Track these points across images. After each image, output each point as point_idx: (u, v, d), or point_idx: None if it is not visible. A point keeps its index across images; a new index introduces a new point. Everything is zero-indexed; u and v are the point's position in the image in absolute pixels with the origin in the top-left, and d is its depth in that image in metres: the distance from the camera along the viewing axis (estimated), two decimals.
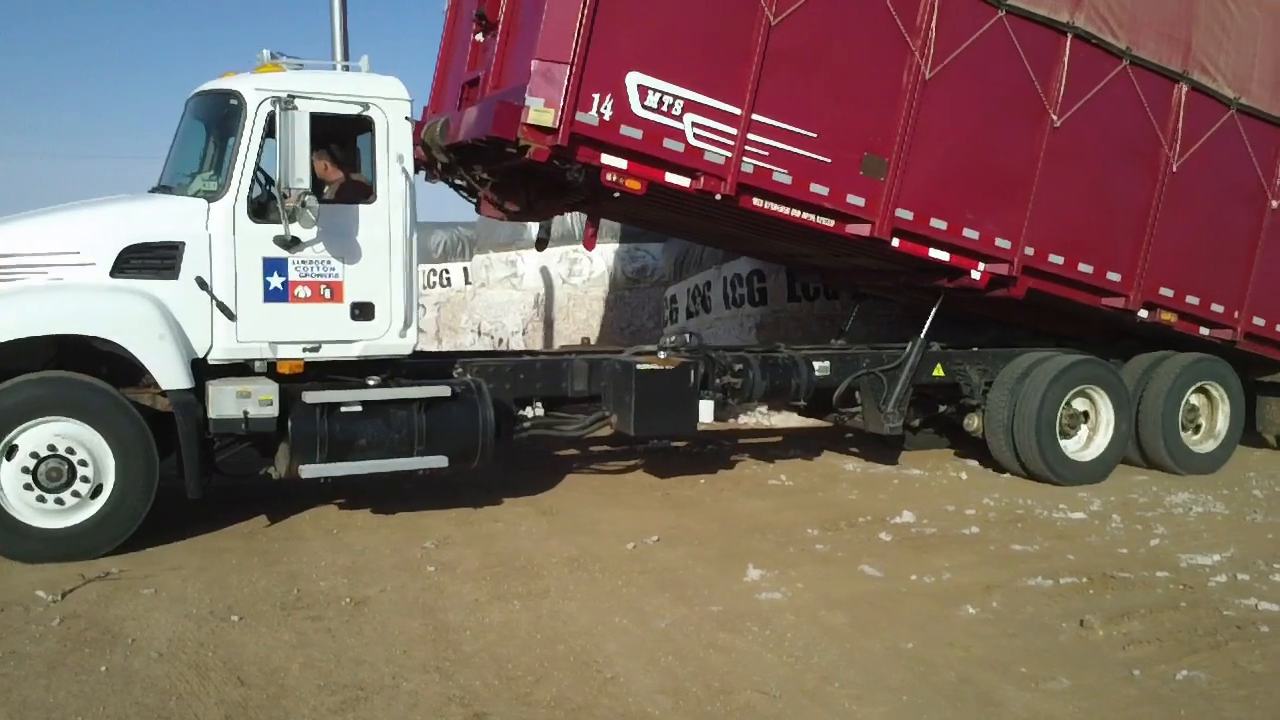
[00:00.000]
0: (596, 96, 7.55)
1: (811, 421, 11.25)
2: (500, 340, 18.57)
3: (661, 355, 8.67)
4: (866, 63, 8.40)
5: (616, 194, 8.00)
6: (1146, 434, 10.14)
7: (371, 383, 7.37)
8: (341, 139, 7.59)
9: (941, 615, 5.96)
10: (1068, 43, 8.91)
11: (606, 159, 7.73)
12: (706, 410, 8.62)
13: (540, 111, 7.39)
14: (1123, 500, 9.09)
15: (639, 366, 8.31)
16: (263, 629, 5.54)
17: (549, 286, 18.40)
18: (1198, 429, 10.57)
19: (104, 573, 6.33)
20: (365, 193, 7.40)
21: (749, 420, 12.68)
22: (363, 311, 7.32)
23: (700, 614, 5.88)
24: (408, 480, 8.28)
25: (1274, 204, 10.10)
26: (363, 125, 7.34)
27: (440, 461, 7.42)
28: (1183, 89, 9.50)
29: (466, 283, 20.81)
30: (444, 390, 7.48)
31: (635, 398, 8.24)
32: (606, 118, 7.60)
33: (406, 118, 7.43)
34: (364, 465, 7.22)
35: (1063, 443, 9.59)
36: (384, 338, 7.41)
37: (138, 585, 6.16)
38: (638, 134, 7.71)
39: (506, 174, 8.54)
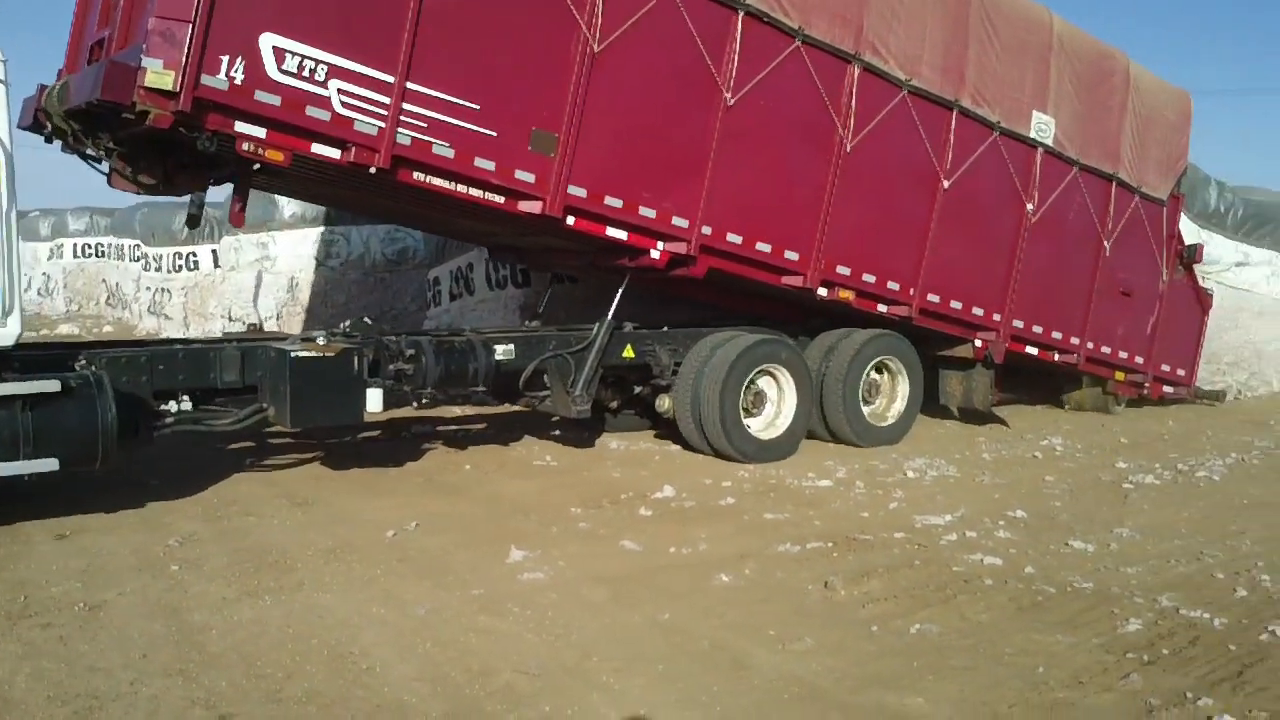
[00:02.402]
0: (225, 59, 6.91)
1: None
2: (253, 326, 17.73)
3: (322, 341, 8.10)
4: (532, 33, 8.07)
5: (258, 166, 7.38)
6: (829, 409, 10.31)
7: None
8: None
9: (698, 585, 6.10)
10: (739, 20, 8.86)
11: (241, 127, 7.11)
12: (375, 399, 8.08)
13: (159, 74, 6.71)
14: (866, 467, 9.53)
15: (294, 354, 7.73)
16: None
17: (301, 268, 17.74)
18: (879, 403, 10.85)
19: None
20: None
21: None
22: None
23: (461, 599, 5.79)
24: (154, 476, 7.94)
25: (946, 184, 10.44)
26: None
27: (50, 464, 6.62)
28: (855, 70, 9.64)
29: (216, 266, 20.08)
30: (52, 385, 6.66)
31: (291, 387, 7.66)
32: (238, 82, 6.96)
33: (1, 81, 6.56)
34: None
35: (747, 421, 9.61)
36: None
37: None
38: (275, 100, 7.11)
39: (137, 143, 7.73)
